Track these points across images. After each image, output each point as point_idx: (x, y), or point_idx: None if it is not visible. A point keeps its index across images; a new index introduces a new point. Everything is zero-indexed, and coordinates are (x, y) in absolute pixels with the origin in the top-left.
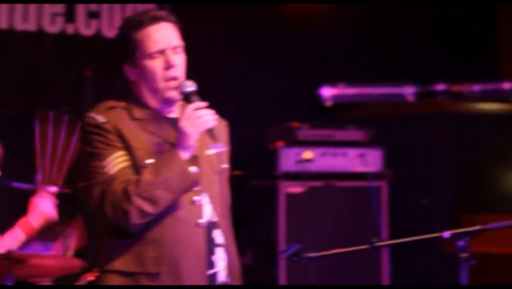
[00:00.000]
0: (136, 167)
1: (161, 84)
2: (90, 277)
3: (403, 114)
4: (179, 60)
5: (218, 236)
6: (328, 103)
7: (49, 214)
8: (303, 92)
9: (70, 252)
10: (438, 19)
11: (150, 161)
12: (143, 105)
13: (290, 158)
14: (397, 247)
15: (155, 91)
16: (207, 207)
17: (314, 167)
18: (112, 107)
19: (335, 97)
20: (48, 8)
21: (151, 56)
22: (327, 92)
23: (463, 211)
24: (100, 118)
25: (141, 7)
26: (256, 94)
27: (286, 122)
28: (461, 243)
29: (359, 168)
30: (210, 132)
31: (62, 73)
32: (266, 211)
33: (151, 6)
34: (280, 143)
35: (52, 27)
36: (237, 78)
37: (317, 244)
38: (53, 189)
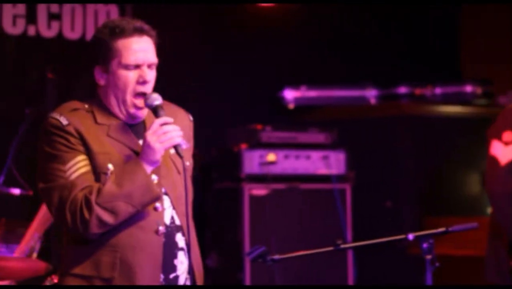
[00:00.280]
0: (97, 172)
1: (129, 98)
2: (56, 279)
3: (366, 117)
4: (152, 77)
5: (180, 239)
6: (291, 106)
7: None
8: (265, 94)
9: (35, 255)
10: (401, 22)
11: (110, 166)
12: (107, 110)
13: (253, 160)
14: (362, 249)
15: (122, 101)
16: (169, 211)
17: (277, 169)
18: (75, 109)
19: (297, 99)
20: (9, 10)
21: (127, 67)
22: (289, 94)
23: (426, 213)
24: (63, 120)
25: (102, 8)
26: (217, 95)
27: (248, 124)
28: (425, 245)
29: (322, 170)
30: (176, 148)
31: (24, 75)
32: (230, 213)
33: (112, 7)
34: (243, 146)
35: (13, 29)
36: (198, 79)
37: (281, 246)
38: (16, 191)
